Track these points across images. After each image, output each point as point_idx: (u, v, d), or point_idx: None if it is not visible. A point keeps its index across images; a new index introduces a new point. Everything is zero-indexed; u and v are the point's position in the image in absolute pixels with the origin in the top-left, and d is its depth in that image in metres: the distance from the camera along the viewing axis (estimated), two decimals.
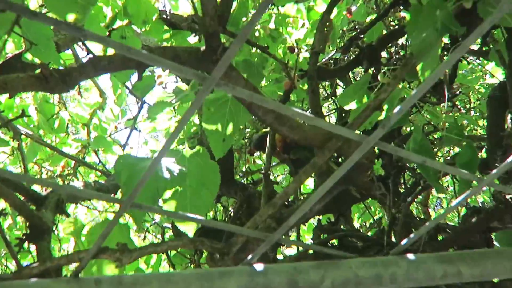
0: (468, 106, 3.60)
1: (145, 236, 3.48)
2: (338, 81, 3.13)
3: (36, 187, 2.11)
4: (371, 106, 0.94)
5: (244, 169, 3.15)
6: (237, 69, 1.10)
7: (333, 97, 3.15)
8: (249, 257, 0.67)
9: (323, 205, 1.35)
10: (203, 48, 1.05)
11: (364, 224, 3.96)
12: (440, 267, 0.68)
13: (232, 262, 0.95)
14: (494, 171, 0.54)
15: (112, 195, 2.14)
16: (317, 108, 1.36)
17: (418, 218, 2.59)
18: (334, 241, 1.83)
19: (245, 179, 3.07)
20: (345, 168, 0.54)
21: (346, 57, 2.85)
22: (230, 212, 3.03)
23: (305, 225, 3.39)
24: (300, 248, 2.09)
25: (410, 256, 0.69)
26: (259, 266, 0.67)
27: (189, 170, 1.25)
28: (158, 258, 3.12)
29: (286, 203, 2.40)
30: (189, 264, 2.83)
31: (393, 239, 1.82)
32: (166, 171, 1.17)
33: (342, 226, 2.44)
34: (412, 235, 0.67)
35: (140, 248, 0.71)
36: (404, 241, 0.68)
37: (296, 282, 0.66)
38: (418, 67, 1.05)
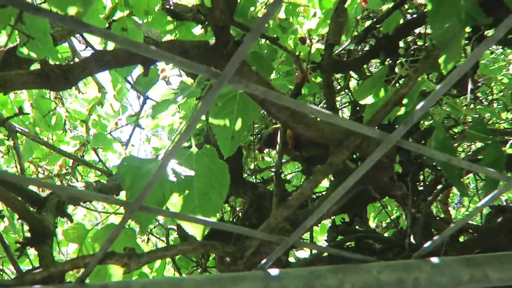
0: (490, 98, 3.58)
1: (148, 239, 3.50)
2: (351, 72, 3.12)
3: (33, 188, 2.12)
4: (391, 101, 0.94)
5: (252, 167, 3.15)
6: (249, 64, 1.10)
7: (346, 90, 3.14)
8: (263, 261, 0.67)
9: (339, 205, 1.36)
10: (212, 41, 1.06)
11: (380, 224, 3.95)
12: (466, 271, 0.68)
13: (243, 266, 0.95)
14: None
15: (115, 195, 2.15)
16: (333, 104, 1.36)
17: (437, 218, 2.58)
18: (350, 243, 1.83)
19: (254, 177, 3.08)
20: (365, 168, 0.54)
21: (359, 48, 2.84)
22: (238, 213, 3.03)
23: (317, 226, 3.40)
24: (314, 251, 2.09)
25: (434, 259, 0.69)
26: (273, 271, 0.67)
27: (197, 170, 1.25)
28: (163, 262, 3.13)
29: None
30: (195, 268, 2.84)
31: (412, 240, 1.82)
32: (172, 174, 1.17)
33: (357, 227, 2.44)
34: (435, 238, 0.67)
35: (148, 252, 0.72)
36: (427, 244, 0.68)
37: None
38: (441, 59, 1.04)
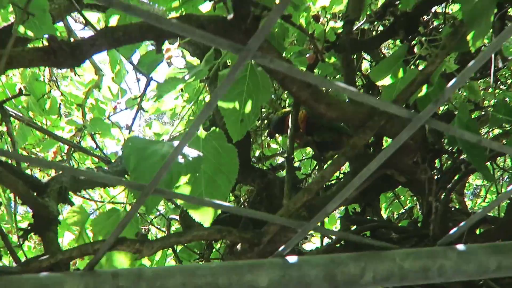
0: (510, 81, 3.56)
1: (148, 229, 3.51)
2: (363, 54, 3.11)
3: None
4: (417, 80, 0.94)
5: (259, 154, 3.15)
6: (269, 40, 1.10)
7: (358, 73, 3.13)
8: (281, 248, 0.68)
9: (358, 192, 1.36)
10: (230, 16, 1.05)
11: (392, 215, 3.96)
12: (494, 259, 0.68)
13: (257, 256, 0.96)
14: None
15: None
16: (353, 83, 1.36)
17: (453, 208, 2.59)
18: (365, 232, 1.83)
19: (260, 165, 3.07)
20: (393, 149, 0.55)
21: (372, 28, 2.83)
22: (243, 203, 3.03)
23: (327, 216, 3.41)
24: (324, 242, 2.10)
25: (460, 246, 0.70)
26: (292, 258, 0.67)
27: (204, 154, 1.26)
28: (163, 254, 3.15)
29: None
30: (198, 260, 2.85)
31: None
32: (179, 156, 1.18)
33: (368, 217, 2.45)
34: (461, 224, 0.68)
35: (162, 238, 0.72)
36: (453, 230, 0.69)
37: (334, 276, 0.66)
38: (469, 36, 1.04)
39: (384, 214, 3.86)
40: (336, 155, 0.96)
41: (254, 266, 0.66)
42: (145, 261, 3.02)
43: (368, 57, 3.19)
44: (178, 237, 0.76)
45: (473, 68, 0.49)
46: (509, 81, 3.54)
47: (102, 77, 3.77)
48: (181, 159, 1.12)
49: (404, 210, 3.48)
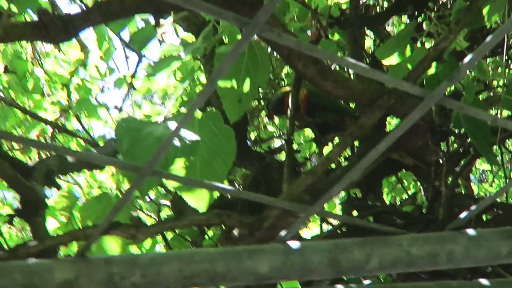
0: None
1: (138, 216, 3.50)
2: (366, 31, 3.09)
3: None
4: (430, 56, 0.94)
5: (255, 137, 3.14)
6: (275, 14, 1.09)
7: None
8: (283, 233, 0.68)
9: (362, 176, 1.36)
10: None
11: (394, 200, 3.97)
12: (506, 244, 0.68)
13: (256, 242, 0.96)
14: None
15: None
16: (359, 60, 1.35)
17: (458, 193, 2.59)
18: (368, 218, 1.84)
19: (256, 148, 3.06)
20: (404, 129, 0.55)
21: (377, 4, 2.82)
22: (238, 187, 3.02)
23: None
24: (323, 229, 2.11)
25: (470, 231, 0.70)
26: (294, 244, 0.68)
27: (200, 136, 1.25)
28: (153, 242, 3.14)
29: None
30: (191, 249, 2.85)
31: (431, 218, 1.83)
32: (176, 138, 1.17)
33: (369, 203, 2.45)
34: (473, 207, 0.68)
35: (158, 223, 0.73)
36: (463, 215, 0.69)
37: (338, 262, 0.66)
38: (484, 11, 1.04)
39: (386, 200, 3.87)
40: (338, 137, 0.96)
41: (254, 251, 0.66)
42: (134, 250, 3.01)
43: (371, 35, 3.18)
44: (175, 222, 0.76)
45: (490, 44, 0.49)
46: None
47: (88, 55, 3.73)
48: (177, 142, 1.12)
49: (407, 196, 3.48)
